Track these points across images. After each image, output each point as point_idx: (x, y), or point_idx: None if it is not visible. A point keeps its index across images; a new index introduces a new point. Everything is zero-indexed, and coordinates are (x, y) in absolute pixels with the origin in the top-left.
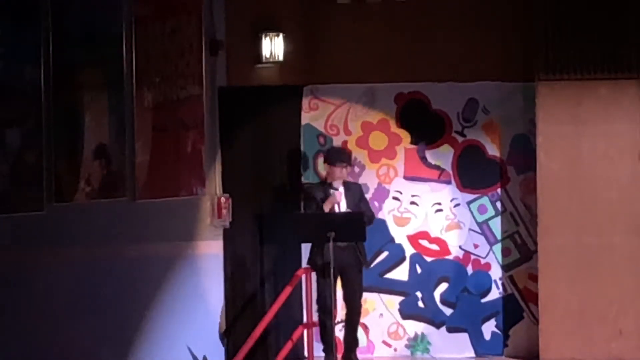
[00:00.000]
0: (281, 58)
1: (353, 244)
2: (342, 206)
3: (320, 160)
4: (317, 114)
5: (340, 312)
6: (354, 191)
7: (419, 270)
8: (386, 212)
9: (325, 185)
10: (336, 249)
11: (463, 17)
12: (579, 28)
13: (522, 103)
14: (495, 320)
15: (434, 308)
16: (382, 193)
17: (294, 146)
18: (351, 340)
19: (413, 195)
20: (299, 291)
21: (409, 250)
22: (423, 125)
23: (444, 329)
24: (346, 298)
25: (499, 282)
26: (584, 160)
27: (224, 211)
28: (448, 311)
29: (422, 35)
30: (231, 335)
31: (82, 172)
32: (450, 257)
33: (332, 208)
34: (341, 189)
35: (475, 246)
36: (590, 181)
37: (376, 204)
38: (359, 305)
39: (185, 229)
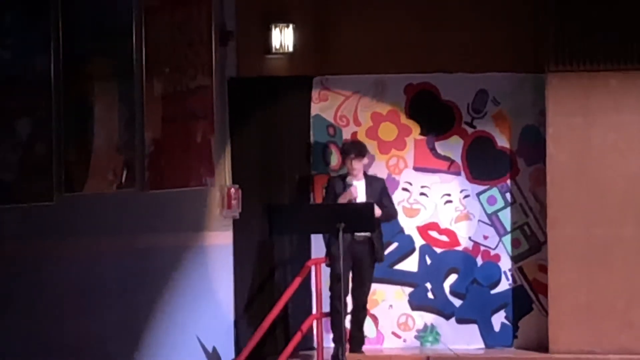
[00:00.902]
0: (291, 49)
1: (370, 238)
2: (361, 200)
3: (330, 151)
4: (326, 105)
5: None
6: (376, 186)
7: (428, 261)
8: (396, 203)
9: (346, 178)
10: (353, 241)
11: (473, 8)
12: (589, 19)
13: (532, 94)
14: (505, 311)
15: (444, 299)
16: (391, 184)
17: (304, 137)
18: (357, 337)
19: (423, 187)
20: (309, 282)
21: (419, 242)
22: (433, 116)
23: (453, 320)
24: (354, 292)
25: (509, 274)
26: (593, 151)
27: (234, 202)
28: (457, 302)
29: (432, 26)
30: (241, 326)
31: (91, 162)
32: (459, 248)
33: (350, 202)
34: (362, 183)
35: (485, 237)
36: (600, 172)
37: None
38: (365, 301)
39: (195, 220)
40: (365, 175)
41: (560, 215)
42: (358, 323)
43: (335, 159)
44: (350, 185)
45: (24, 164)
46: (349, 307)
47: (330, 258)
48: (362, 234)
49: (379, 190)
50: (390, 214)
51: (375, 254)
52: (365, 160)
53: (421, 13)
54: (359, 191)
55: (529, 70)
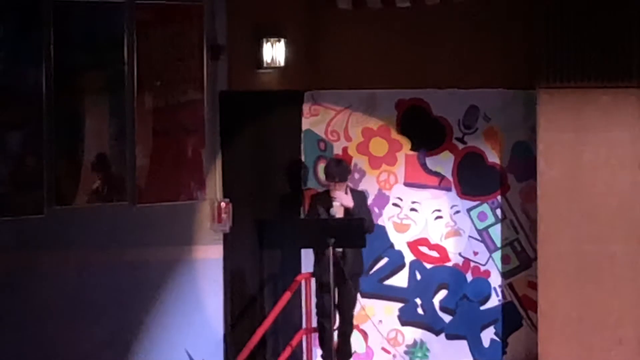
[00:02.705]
0: (282, 63)
1: (344, 253)
2: (340, 215)
3: (321, 165)
4: (317, 120)
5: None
6: (356, 199)
7: (418, 276)
8: (386, 218)
9: (327, 195)
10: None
11: (464, 24)
12: (581, 36)
13: (523, 110)
14: (495, 327)
15: (433, 315)
16: (382, 199)
17: (295, 152)
18: (345, 351)
19: (413, 202)
20: (299, 296)
21: (409, 257)
22: (424, 132)
23: (443, 335)
24: (339, 307)
25: (499, 290)
26: (584, 168)
27: (224, 216)
28: (447, 318)
29: (423, 41)
30: (230, 341)
31: (82, 175)
32: (449, 264)
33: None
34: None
35: (475, 253)
36: (591, 189)
37: (376, 210)
38: (351, 316)
39: (185, 234)
40: (347, 189)
41: (551, 232)
42: (345, 337)
43: None
44: (333, 215)
45: (15, 176)
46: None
47: (315, 275)
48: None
49: (359, 203)
50: (367, 227)
51: (345, 271)
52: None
53: (413, 28)
54: (338, 209)
55: (520, 86)
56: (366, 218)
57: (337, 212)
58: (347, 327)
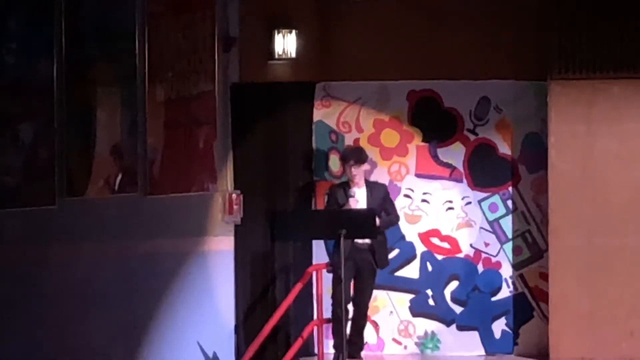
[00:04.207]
0: (294, 55)
1: (371, 245)
2: (362, 206)
3: (332, 157)
4: (329, 111)
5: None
6: (377, 192)
7: (429, 268)
8: (397, 209)
9: (346, 185)
10: (354, 248)
11: (476, 15)
12: (593, 27)
13: (535, 102)
14: (506, 318)
15: (445, 306)
16: (393, 190)
17: (306, 143)
18: (356, 343)
19: (424, 193)
20: (310, 288)
21: (420, 248)
22: (435, 123)
23: (454, 327)
24: (354, 299)
25: (510, 281)
26: (596, 160)
27: (236, 207)
28: (458, 309)
29: (434, 32)
30: (241, 332)
31: (94, 167)
32: (461, 255)
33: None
34: (363, 190)
35: (486, 244)
36: (602, 181)
37: None
38: (365, 308)
39: (197, 225)
40: (367, 181)
41: (562, 224)
42: (358, 330)
43: (337, 166)
44: (352, 196)
45: (27, 168)
46: (350, 314)
47: (333, 264)
48: (363, 241)
49: (381, 196)
50: (392, 220)
51: (377, 261)
52: (366, 167)
53: (424, 19)
54: (359, 198)
55: (531, 77)
56: (391, 212)
57: (359, 201)
58: (361, 320)
